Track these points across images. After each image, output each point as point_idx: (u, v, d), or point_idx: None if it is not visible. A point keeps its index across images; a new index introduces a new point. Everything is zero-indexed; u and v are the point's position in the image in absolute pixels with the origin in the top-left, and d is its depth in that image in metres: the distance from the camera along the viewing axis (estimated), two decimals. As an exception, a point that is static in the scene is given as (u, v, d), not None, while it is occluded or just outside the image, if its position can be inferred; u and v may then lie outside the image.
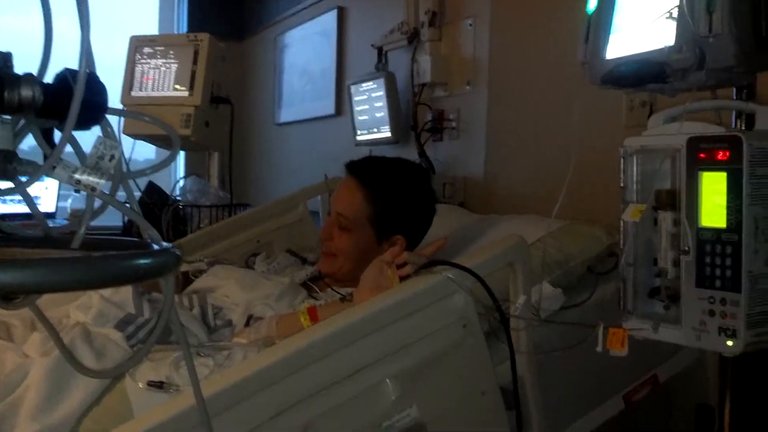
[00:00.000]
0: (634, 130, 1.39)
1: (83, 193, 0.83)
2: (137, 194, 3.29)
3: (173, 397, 1.29)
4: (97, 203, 0.86)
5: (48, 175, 0.81)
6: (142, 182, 3.43)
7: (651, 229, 1.28)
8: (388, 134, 3.11)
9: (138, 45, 3.30)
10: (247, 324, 1.66)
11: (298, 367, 1.28)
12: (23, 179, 0.81)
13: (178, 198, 3.33)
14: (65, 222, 3.97)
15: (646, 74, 1.29)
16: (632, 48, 1.34)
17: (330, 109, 3.85)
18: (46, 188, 4.33)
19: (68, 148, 0.82)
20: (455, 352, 1.46)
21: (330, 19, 3.89)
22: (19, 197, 0.86)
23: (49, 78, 0.81)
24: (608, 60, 1.39)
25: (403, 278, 1.54)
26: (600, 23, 1.41)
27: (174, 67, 3.21)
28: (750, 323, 1.13)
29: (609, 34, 1.40)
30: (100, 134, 0.85)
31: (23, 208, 3.80)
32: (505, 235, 1.61)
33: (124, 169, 0.87)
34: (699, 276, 1.18)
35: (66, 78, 0.79)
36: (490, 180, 2.71)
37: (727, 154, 1.14)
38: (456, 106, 2.90)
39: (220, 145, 3.36)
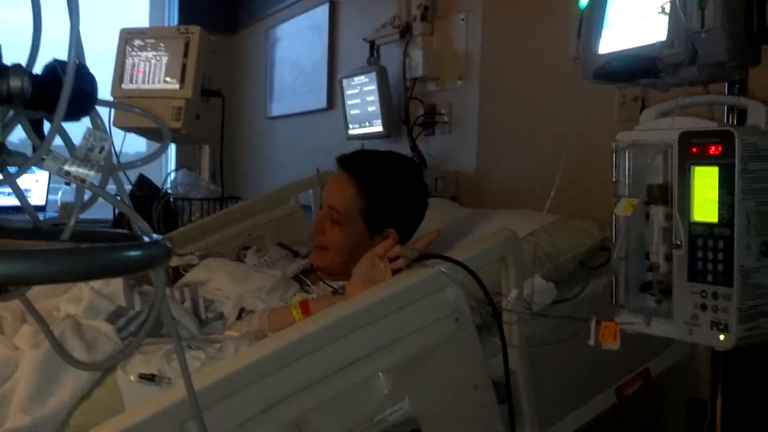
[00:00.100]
0: (626, 124, 1.39)
1: (74, 185, 0.83)
2: (128, 187, 3.28)
3: (164, 389, 1.28)
4: (87, 195, 0.85)
5: (37, 167, 0.80)
6: (133, 175, 3.42)
7: (643, 223, 1.28)
8: (380, 128, 3.11)
9: (128, 37, 3.29)
10: (238, 317, 1.66)
11: (290, 360, 1.27)
12: (12, 171, 0.81)
13: (169, 191, 3.32)
14: (56, 214, 3.96)
15: (639, 69, 1.29)
16: (624, 43, 1.33)
17: (322, 102, 3.85)
18: (37, 181, 4.31)
19: (58, 140, 0.81)
20: (447, 346, 1.45)
21: (322, 12, 3.88)
22: (9, 189, 0.86)
23: (38, 69, 0.81)
24: (600, 55, 1.38)
25: (395, 272, 1.54)
26: (592, 18, 1.41)
27: (165, 59, 3.20)
28: (742, 317, 1.13)
29: (601, 28, 1.40)
30: (90, 126, 0.84)
31: (13, 201, 3.79)
32: (497, 229, 1.60)
33: (114, 161, 0.86)
34: (691, 270, 1.18)
35: (55, 69, 0.79)
36: (482, 174, 2.72)
37: (719, 148, 1.14)
38: (448, 101, 2.90)
39: (211, 138, 3.35)
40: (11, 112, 0.82)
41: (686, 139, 1.19)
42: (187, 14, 4.84)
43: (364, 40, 3.23)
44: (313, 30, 3.99)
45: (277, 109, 4.43)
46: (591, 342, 1.26)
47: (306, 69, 4.08)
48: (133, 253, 0.74)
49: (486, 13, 2.71)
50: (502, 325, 1.46)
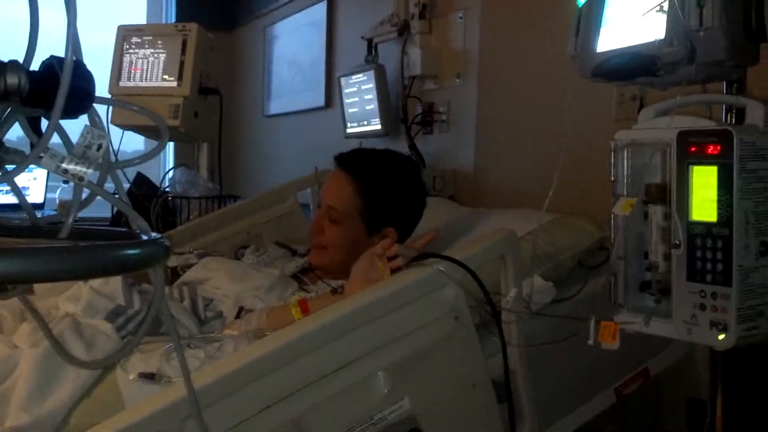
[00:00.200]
0: (624, 123, 1.39)
1: (71, 184, 0.82)
2: (126, 185, 3.27)
3: (164, 388, 1.28)
4: (85, 193, 0.85)
5: (35, 164, 0.80)
6: (131, 174, 3.41)
7: (641, 222, 1.28)
8: (378, 127, 3.10)
9: (126, 34, 3.28)
10: (237, 316, 1.66)
11: (289, 359, 1.27)
12: (10, 168, 0.80)
13: (167, 189, 3.32)
14: (54, 213, 3.96)
15: (637, 67, 1.28)
16: (623, 41, 1.33)
17: (320, 101, 3.84)
18: (35, 179, 4.30)
19: (56, 138, 0.81)
20: (446, 345, 1.45)
21: (320, 10, 3.88)
22: (7, 187, 0.85)
23: (35, 66, 0.81)
24: (599, 53, 1.38)
25: (393, 271, 1.54)
26: (590, 16, 1.41)
27: (162, 57, 3.19)
28: (741, 317, 1.13)
29: (599, 27, 1.40)
30: (88, 123, 0.84)
31: (11, 199, 3.78)
32: (495, 228, 1.60)
33: (112, 159, 0.86)
34: (690, 270, 1.18)
35: (52, 66, 0.79)
36: (480, 173, 2.71)
37: (718, 148, 1.14)
38: (446, 99, 2.90)
39: (209, 136, 3.35)
40: (8, 110, 0.82)
41: (685, 138, 1.18)
42: (184, 11, 4.83)
43: (362, 38, 3.22)
44: (311, 27, 3.99)
45: (275, 107, 4.43)
46: (590, 342, 1.25)
47: (304, 67, 4.07)
48: (131, 252, 0.74)
49: (484, 11, 2.70)
50: (501, 324, 1.46)
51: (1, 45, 0.79)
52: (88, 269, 0.71)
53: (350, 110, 3.29)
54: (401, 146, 2.94)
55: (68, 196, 3.87)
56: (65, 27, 0.77)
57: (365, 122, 3.19)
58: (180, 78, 3.13)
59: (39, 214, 0.92)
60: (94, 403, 1.33)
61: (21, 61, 0.80)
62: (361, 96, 3.19)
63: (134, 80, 3.23)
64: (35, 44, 0.82)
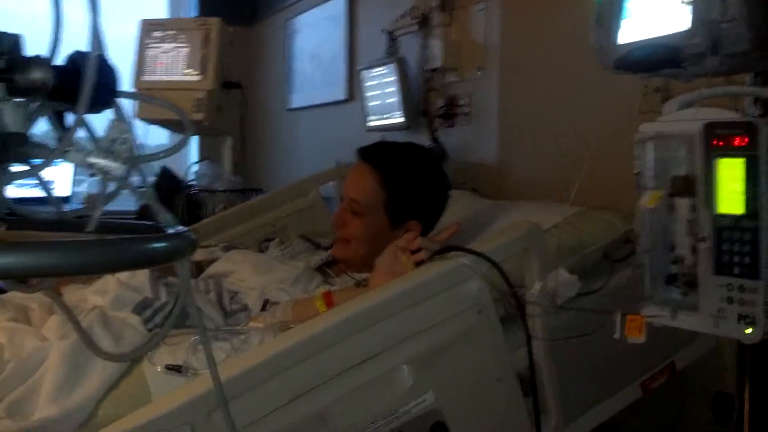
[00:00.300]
0: (648, 116, 1.37)
1: (98, 177, 0.83)
2: (151, 179, 3.29)
3: (190, 380, 1.29)
4: (111, 187, 0.86)
5: (61, 158, 0.80)
6: (156, 167, 3.43)
7: (667, 215, 1.27)
8: (400, 120, 3.09)
9: (148, 29, 3.30)
10: (263, 308, 1.66)
11: (314, 351, 1.28)
12: (37, 163, 0.81)
13: (192, 183, 3.34)
14: (80, 206, 3.99)
15: (660, 59, 1.27)
16: (645, 32, 1.32)
17: (341, 94, 3.84)
18: (61, 173, 4.34)
19: (81, 132, 0.82)
20: (470, 338, 1.45)
21: (340, 3, 3.87)
22: (34, 181, 0.86)
23: (59, 61, 0.81)
24: (621, 45, 1.37)
25: (417, 264, 1.54)
26: (612, 7, 1.40)
27: (184, 51, 3.20)
28: (769, 310, 1.12)
29: (621, 18, 1.39)
30: (113, 117, 0.85)
31: (38, 192, 3.81)
32: (519, 221, 1.60)
33: (138, 152, 0.87)
34: (717, 263, 1.17)
35: (77, 60, 0.79)
36: (503, 166, 2.70)
37: (745, 140, 1.13)
38: (468, 92, 2.88)
39: (232, 129, 3.36)
40: (34, 104, 0.82)
41: (710, 130, 1.17)
42: (205, 5, 4.84)
43: (383, 31, 3.21)
44: (331, 21, 3.99)
45: (297, 100, 4.43)
46: (617, 336, 1.25)
47: (325, 60, 4.07)
48: (158, 245, 0.74)
49: (505, 2, 2.68)
50: (526, 317, 1.46)
51: (25, 40, 0.79)
52: (115, 262, 0.72)
53: (371, 103, 3.28)
54: (423, 139, 2.93)
55: (94, 190, 3.91)
56: (88, 21, 0.77)
57: (387, 115, 3.19)
58: (203, 72, 3.14)
59: (65, 208, 0.93)
60: (121, 395, 1.34)
61: (45, 55, 0.80)
62: (382, 89, 3.19)
63: (157, 74, 3.24)
64: (59, 39, 0.83)
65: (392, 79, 3.09)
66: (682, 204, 1.23)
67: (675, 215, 1.25)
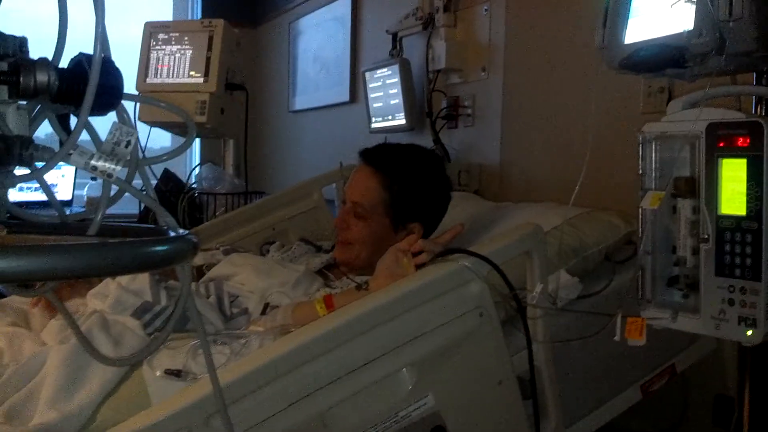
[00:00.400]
0: (651, 116, 1.38)
1: (100, 181, 0.83)
2: (153, 182, 3.30)
3: (190, 384, 1.29)
4: (114, 190, 0.86)
5: (64, 161, 0.81)
6: (158, 170, 3.43)
7: (669, 216, 1.27)
8: (403, 121, 3.09)
9: (152, 31, 3.30)
10: (263, 312, 1.66)
11: (315, 355, 1.28)
12: (39, 166, 0.81)
13: (194, 185, 3.34)
14: (82, 210, 3.99)
15: (665, 59, 1.27)
16: (651, 32, 1.32)
17: (344, 96, 3.84)
18: (63, 176, 4.35)
19: (84, 135, 0.82)
20: (471, 341, 1.45)
21: (344, 5, 3.88)
22: (36, 184, 0.86)
23: (64, 64, 0.81)
24: (627, 45, 1.37)
25: (418, 266, 1.54)
26: (618, 7, 1.40)
27: (189, 53, 3.21)
28: (771, 312, 1.12)
29: (627, 18, 1.38)
30: (116, 120, 0.85)
31: (40, 196, 3.83)
32: (521, 223, 1.60)
33: (140, 155, 0.87)
34: (718, 264, 1.17)
35: (81, 63, 0.79)
36: (506, 167, 2.70)
37: (748, 140, 1.13)
38: (471, 93, 2.88)
39: (235, 132, 3.36)
40: (38, 107, 0.83)
41: (714, 130, 1.17)
42: (209, 7, 4.85)
43: (387, 32, 3.21)
44: (335, 22, 3.99)
45: (300, 102, 4.44)
46: (617, 338, 1.25)
47: (328, 62, 4.07)
48: (159, 248, 0.74)
49: (509, 3, 2.69)
50: (527, 320, 1.45)
51: (30, 42, 0.79)
52: (116, 266, 0.72)
53: (375, 105, 3.28)
54: (426, 141, 2.93)
55: (96, 193, 3.92)
56: (92, 23, 0.77)
57: (390, 117, 3.19)
58: (206, 74, 3.14)
59: (67, 211, 0.93)
60: (120, 399, 1.34)
61: (50, 58, 0.81)
62: (385, 90, 3.19)
63: (161, 77, 3.24)
64: (64, 42, 0.83)
65: (395, 80, 3.09)
66: (685, 205, 1.23)
67: (677, 216, 1.25)
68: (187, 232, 0.81)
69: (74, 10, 0.83)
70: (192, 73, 3.19)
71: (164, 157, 0.97)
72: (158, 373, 1.35)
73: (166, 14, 5.04)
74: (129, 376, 1.37)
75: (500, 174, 2.72)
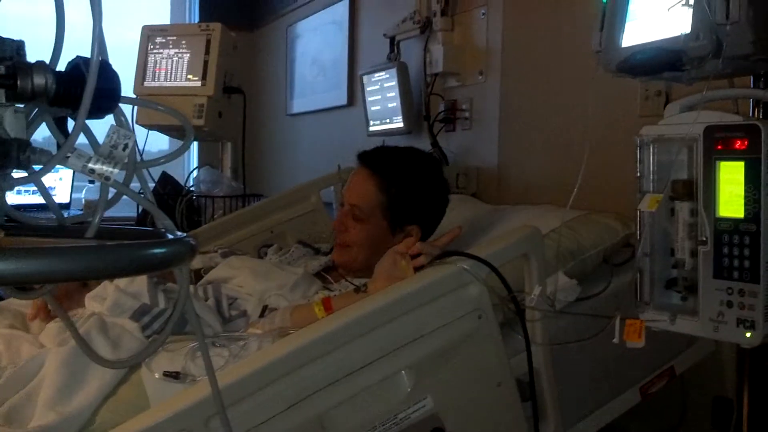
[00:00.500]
0: (649, 119, 1.38)
1: (97, 184, 0.83)
2: (151, 185, 3.29)
3: (189, 387, 1.29)
4: (111, 193, 0.86)
5: (62, 164, 0.81)
6: (156, 173, 3.43)
7: (667, 219, 1.27)
8: (401, 125, 3.10)
9: (150, 34, 3.30)
10: (261, 314, 1.66)
11: (313, 357, 1.28)
12: (37, 168, 0.81)
13: (192, 189, 3.34)
14: (80, 213, 3.99)
15: (663, 62, 1.27)
16: (648, 36, 1.32)
17: (342, 99, 3.85)
18: (61, 179, 4.35)
19: (82, 138, 0.82)
20: (470, 343, 1.45)
21: (342, 8, 3.88)
22: (34, 188, 0.86)
23: (61, 67, 0.81)
24: (624, 48, 1.37)
25: (417, 269, 1.54)
26: (615, 11, 1.40)
27: (186, 57, 3.21)
28: (769, 314, 1.12)
29: (624, 21, 1.39)
30: (113, 123, 0.85)
31: (38, 199, 3.83)
32: (519, 226, 1.60)
33: (138, 158, 0.87)
34: (717, 267, 1.17)
35: (78, 66, 0.79)
36: (504, 170, 2.70)
37: (745, 143, 1.13)
38: (469, 96, 2.89)
39: (232, 135, 3.36)
40: (36, 110, 0.83)
41: (711, 133, 1.17)
42: (207, 11, 4.86)
43: (385, 35, 3.22)
44: (333, 26, 3.99)
45: (298, 105, 4.44)
46: (615, 340, 1.24)
47: (326, 65, 4.08)
48: (157, 251, 0.74)
49: (507, 7, 2.69)
50: (526, 322, 1.46)
51: (27, 45, 0.79)
52: (114, 268, 0.71)
53: (373, 108, 3.28)
54: (424, 144, 2.93)
55: (94, 196, 3.92)
56: (90, 26, 0.77)
57: (388, 120, 3.19)
58: (204, 78, 3.15)
59: (65, 214, 0.93)
60: (119, 401, 1.34)
61: (47, 61, 0.81)
62: (383, 94, 3.19)
63: (159, 80, 3.25)
64: (61, 45, 0.83)
65: (393, 83, 3.10)
66: (683, 207, 1.23)
67: (675, 219, 1.25)
68: (185, 234, 0.81)
69: (72, 13, 0.83)
70: (190, 76, 3.19)
71: (162, 160, 0.97)
72: (157, 376, 1.35)
73: (163, 18, 5.04)
74: (127, 378, 1.37)
75: (498, 177, 2.72)
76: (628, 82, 1.49)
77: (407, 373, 1.37)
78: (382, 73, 3.17)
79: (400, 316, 1.37)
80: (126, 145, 0.83)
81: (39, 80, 0.77)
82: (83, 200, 4.26)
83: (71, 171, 3.39)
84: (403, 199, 1.90)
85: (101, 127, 0.85)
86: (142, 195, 0.90)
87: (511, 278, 1.45)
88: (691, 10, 1.21)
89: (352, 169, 2.05)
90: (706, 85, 1.25)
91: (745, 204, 1.13)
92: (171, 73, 3.23)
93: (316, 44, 4.20)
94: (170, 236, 0.83)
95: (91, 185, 4.14)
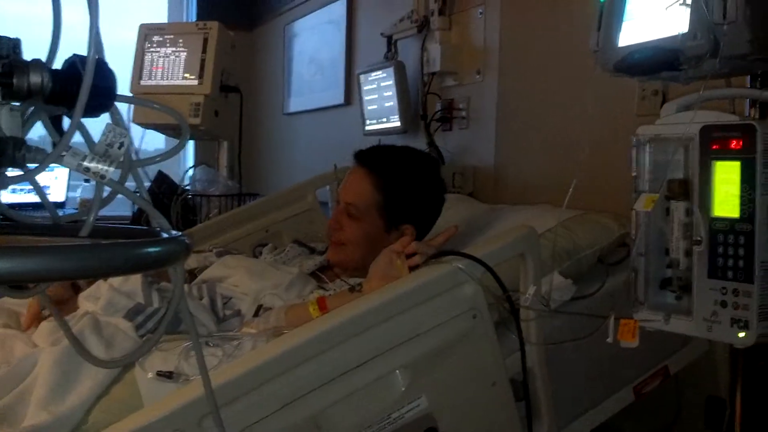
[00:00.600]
0: (645, 119, 1.38)
1: (92, 183, 0.83)
2: (146, 183, 3.29)
3: (182, 386, 1.29)
4: (107, 192, 0.86)
5: (57, 163, 0.81)
6: (152, 172, 3.43)
7: (663, 219, 1.27)
8: (398, 124, 3.10)
9: (147, 33, 3.30)
10: (256, 314, 1.66)
11: (308, 357, 1.27)
12: (32, 167, 0.81)
13: (188, 187, 3.34)
14: (75, 211, 3.99)
15: (660, 61, 1.27)
16: (645, 35, 1.32)
17: (339, 98, 3.84)
18: (56, 178, 4.34)
19: (78, 137, 0.82)
20: (465, 343, 1.45)
21: (339, 7, 3.88)
22: (29, 186, 0.86)
23: (57, 65, 0.81)
24: (621, 47, 1.37)
25: (412, 268, 1.54)
26: (613, 10, 1.40)
27: (183, 55, 3.21)
28: (762, 314, 1.12)
29: (622, 21, 1.39)
30: (109, 122, 0.85)
31: (33, 198, 3.82)
32: (515, 225, 1.60)
33: (134, 157, 0.87)
34: (711, 266, 1.17)
35: (75, 64, 0.79)
36: (500, 170, 2.70)
37: (741, 143, 1.13)
38: (466, 96, 2.89)
39: (229, 134, 3.36)
40: (31, 108, 0.82)
41: (707, 133, 1.17)
42: (205, 10, 4.85)
43: (382, 34, 3.22)
44: (330, 25, 3.99)
45: (295, 104, 4.44)
46: (609, 340, 1.25)
47: (324, 64, 4.07)
48: (152, 250, 0.74)
49: (504, 6, 2.69)
50: (520, 322, 1.46)
51: (23, 44, 0.79)
52: (109, 267, 0.71)
53: (369, 107, 3.28)
54: (420, 143, 2.93)
55: (89, 195, 3.91)
56: (87, 25, 0.77)
57: (384, 119, 3.19)
58: (201, 76, 3.15)
59: (60, 213, 0.93)
60: (112, 401, 1.34)
61: (44, 59, 0.80)
62: (380, 93, 3.19)
63: (155, 79, 3.24)
64: (58, 43, 0.83)
65: (390, 83, 3.10)
66: (678, 207, 1.23)
67: (670, 219, 1.25)
68: (179, 233, 0.81)
69: (69, 11, 0.83)
70: (186, 75, 3.19)
71: (157, 159, 0.97)
72: (150, 375, 1.34)
73: (161, 16, 5.04)
74: (121, 377, 1.37)
75: (495, 176, 2.72)
76: (626, 81, 1.49)
77: (402, 372, 1.37)
78: (379, 72, 3.17)
79: (394, 316, 1.37)
80: (121, 144, 0.83)
81: (35, 78, 0.77)
82: (78, 199, 4.26)
83: (67, 170, 3.38)
84: (398, 198, 1.90)
85: (97, 125, 0.85)
86: (138, 194, 0.90)
87: (507, 277, 1.45)
88: (688, 10, 1.21)
89: (349, 168, 2.05)
90: (703, 84, 1.25)
91: (741, 204, 1.13)
92: (168, 71, 3.23)
93: (314, 43, 4.20)
94: (165, 235, 0.82)
95: (87, 184, 4.14)
